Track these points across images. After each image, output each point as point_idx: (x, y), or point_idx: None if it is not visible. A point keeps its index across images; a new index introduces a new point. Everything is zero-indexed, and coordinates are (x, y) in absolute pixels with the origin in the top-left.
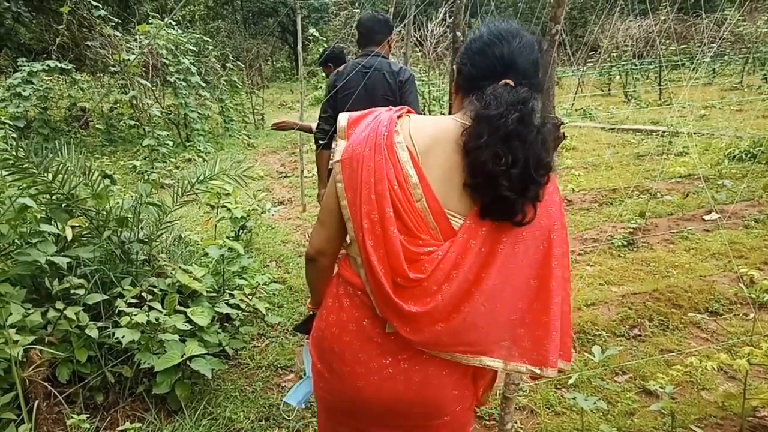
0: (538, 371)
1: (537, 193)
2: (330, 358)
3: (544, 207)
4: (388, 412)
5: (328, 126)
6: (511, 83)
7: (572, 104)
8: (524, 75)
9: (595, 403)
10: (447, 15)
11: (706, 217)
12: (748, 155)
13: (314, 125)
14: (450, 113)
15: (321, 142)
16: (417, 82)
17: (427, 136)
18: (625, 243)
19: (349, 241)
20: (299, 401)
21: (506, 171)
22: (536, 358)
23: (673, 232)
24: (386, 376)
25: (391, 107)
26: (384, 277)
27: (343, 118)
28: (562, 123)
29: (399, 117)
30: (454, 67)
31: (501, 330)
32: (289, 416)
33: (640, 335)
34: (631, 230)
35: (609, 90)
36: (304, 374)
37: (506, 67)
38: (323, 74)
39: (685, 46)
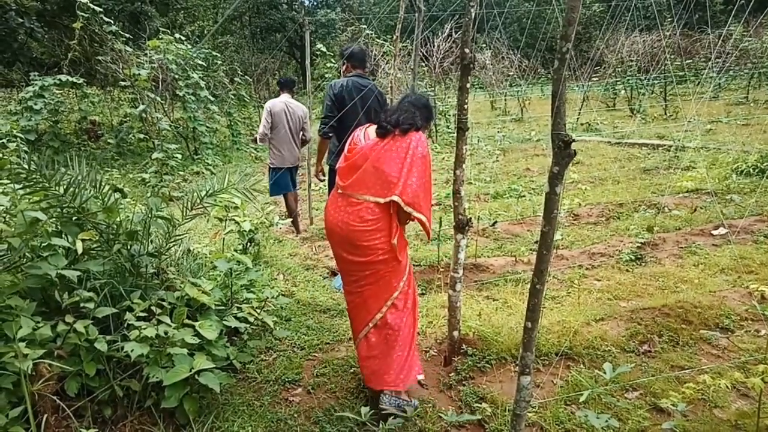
0: (397, 199)
1: (396, 127)
2: (326, 208)
3: (409, 135)
4: (334, 233)
5: (329, 125)
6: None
7: (577, 118)
8: (419, 108)
9: (606, 421)
10: (453, 31)
11: (715, 232)
12: (756, 170)
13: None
14: (457, 127)
15: (330, 134)
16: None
17: (372, 129)
18: (633, 257)
19: None
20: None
21: (387, 118)
22: (398, 194)
23: (682, 247)
24: (335, 214)
25: (368, 124)
26: (341, 161)
27: (359, 130)
28: (573, 140)
29: (368, 127)
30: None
31: (384, 184)
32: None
33: (650, 351)
34: (639, 245)
35: (614, 104)
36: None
37: (409, 103)
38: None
39: (690, 61)
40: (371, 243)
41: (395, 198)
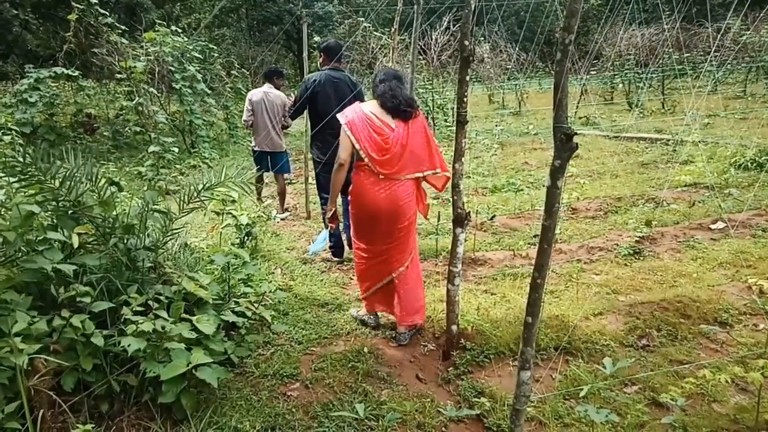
0: (431, 172)
1: (414, 108)
2: (361, 194)
3: (419, 115)
4: (382, 211)
5: (297, 114)
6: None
7: (575, 112)
8: (398, 79)
9: (606, 415)
10: (451, 24)
11: (713, 226)
12: (754, 164)
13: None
14: (457, 120)
15: (293, 120)
16: (421, 90)
17: (372, 106)
18: (632, 252)
19: (360, 154)
20: (315, 251)
21: (400, 102)
22: (430, 168)
23: (680, 241)
24: (379, 195)
25: (354, 105)
26: (374, 153)
27: (341, 116)
28: (575, 133)
29: (370, 108)
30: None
31: (419, 162)
32: (313, 260)
33: (648, 345)
34: (638, 239)
35: (612, 98)
36: (319, 242)
37: (389, 78)
38: None
39: (689, 54)
40: (411, 209)
41: (438, 171)
